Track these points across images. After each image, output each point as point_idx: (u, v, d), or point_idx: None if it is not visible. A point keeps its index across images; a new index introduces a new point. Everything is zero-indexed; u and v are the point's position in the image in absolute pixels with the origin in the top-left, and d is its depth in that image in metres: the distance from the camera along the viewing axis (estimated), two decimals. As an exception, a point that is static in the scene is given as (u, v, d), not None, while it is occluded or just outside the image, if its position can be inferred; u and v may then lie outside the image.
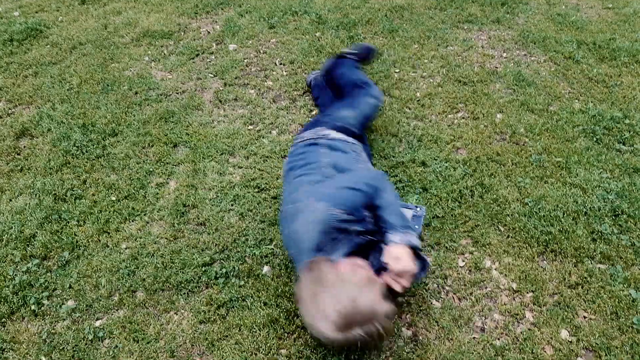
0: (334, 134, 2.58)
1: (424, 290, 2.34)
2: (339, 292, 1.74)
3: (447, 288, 2.36)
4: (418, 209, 2.48)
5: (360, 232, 2.06)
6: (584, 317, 2.22)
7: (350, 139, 2.61)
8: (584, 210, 2.65)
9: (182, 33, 4.27)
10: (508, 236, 2.56)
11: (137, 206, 2.77)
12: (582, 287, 2.32)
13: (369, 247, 2.10)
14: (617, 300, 2.26)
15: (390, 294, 1.94)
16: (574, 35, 4.06)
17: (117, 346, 2.17)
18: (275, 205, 2.74)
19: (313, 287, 1.80)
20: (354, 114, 2.77)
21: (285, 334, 2.19)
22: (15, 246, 2.58)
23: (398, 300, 2.24)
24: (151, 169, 2.98)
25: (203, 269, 2.45)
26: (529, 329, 2.18)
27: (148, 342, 2.18)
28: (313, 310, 1.77)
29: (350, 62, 3.30)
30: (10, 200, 2.83)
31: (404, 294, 2.27)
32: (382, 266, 1.96)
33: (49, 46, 4.15)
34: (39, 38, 4.27)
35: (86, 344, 2.18)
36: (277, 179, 2.89)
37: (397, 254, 1.91)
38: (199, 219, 2.69)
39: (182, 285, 2.39)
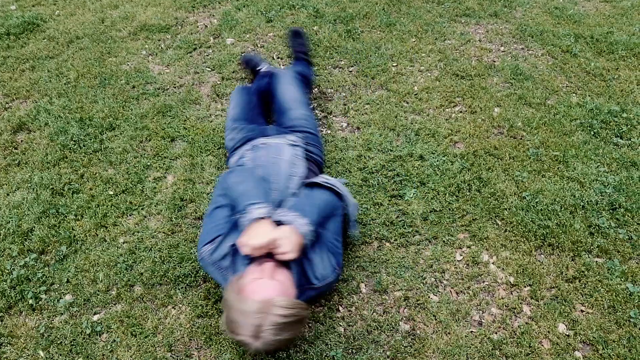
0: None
1: (422, 285, 2.35)
2: (237, 318, 1.71)
3: (444, 282, 2.36)
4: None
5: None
6: (581, 311, 2.22)
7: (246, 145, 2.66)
8: (582, 204, 2.65)
9: (180, 27, 4.26)
10: (505, 230, 2.56)
11: (135, 200, 2.76)
12: (579, 281, 2.32)
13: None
14: (614, 294, 2.26)
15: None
16: (572, 28, 4.05)
17: (114, 340, 2.17)
18: (273, 200, 2.73)
19: (226, 313, 1.79)
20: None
21: (283, 328, 2.20)
22: (12, 240, 2.57)
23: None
24: (149, 163, 2.97)
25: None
26: (527, 323, 2.19)
27: (146, 337, 2.18)
28: (232, 332, 1.77)
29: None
30: (8, 194, 2.83)
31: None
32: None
33: (46, 40, 4.14)
34: (36, 32, 4.25)
35: (84, 338, 2.19)
36: (275, 173, 2.88)
37: (240, 241, 1.88)
38: (196, 213, 2.69)
39: (180, 279, 2.39)
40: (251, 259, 1.93)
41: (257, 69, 3.40)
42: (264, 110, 3.13)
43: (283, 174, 2.33)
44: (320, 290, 2.13)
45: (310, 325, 2.20)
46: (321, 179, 2.25)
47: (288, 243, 1.86)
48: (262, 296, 1.71)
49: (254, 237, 1.86)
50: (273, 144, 2.54)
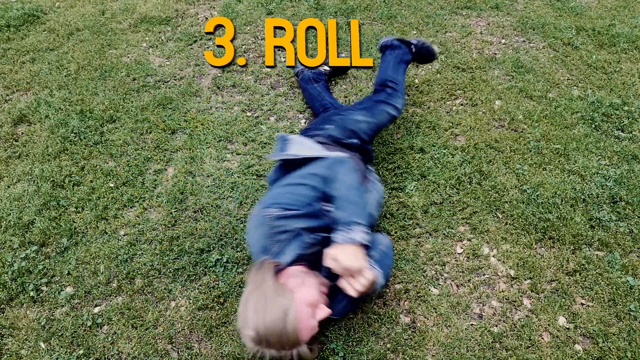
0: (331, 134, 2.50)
1: (422, 277, 2.35)
2: (269, 306, 1.68)
3: (445, 275, 2.36)
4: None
5: (311, 229, 1.92)
6: (582, 304, 2.23)
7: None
8: (582, 197, 2.65)
9: (180, 19, 4.24)
10: (506, 223, 2.56)
11: (135, 193, 2.76)
12: (579, 274, 2.33)
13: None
14: (614, 287, 2.26)
15: (355, 302, 1.97)
16: (573, 21, 4.04)
17: (115, 332, 2.18)
18: (274, 192, 2.73)
19: (251, 289, 1.75)
20: (369, 122, 2.61)
21: (284, 321, 2.20)
22: (13, 233, 2.58)
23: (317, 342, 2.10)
24: (149, 156, 2.97)
25: (201, 256, 2.46)
26: (527, 316, 2.19)
27: (146, 329, 2.19)
28: (242, 311, 1.73)
29: (404, 54, 3.05)
30: (9, 186, 2.83)
31: (359, 304, 2.24)
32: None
33: (46, 32, 4.12)
34: (36, 24, 4.24)
35: (85, 330, 2.19)
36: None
37: (334, 255, 1.78)
38: (196, 205, 2.69)
39: (180, 272, 2.39)
40: (301, 260, 1.92)
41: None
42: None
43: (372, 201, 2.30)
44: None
45: (310, 317, 2.21)
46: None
47: (365, 284, 1.81)
48: (304, 331, 1.73)
49: (349, 259, 1.77)
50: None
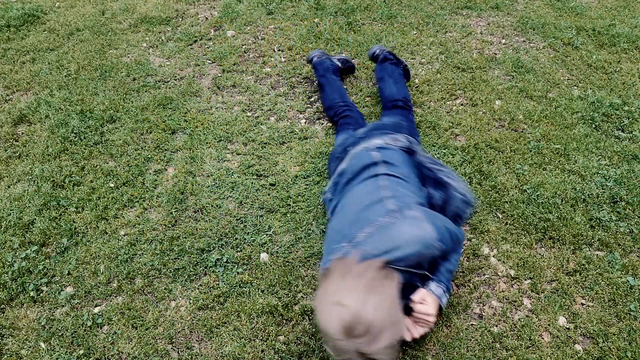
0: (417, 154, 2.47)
1: (422, 277, 2.35)
2: (378, 293, 1.62)
3: (445, 275, 2.36)
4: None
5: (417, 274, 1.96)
6: (582, 304, 2.23)
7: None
8: (583, 197, 2.65)
9: (180, 19, 4.25)
10: (506, 223, 2.56)
11: (136, 193, 2.76)
12: (580, 274, 2.33)
13: (407, 288, 1.97)
14: (614, 287, 2.26)
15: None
16: (573, 21, 4.04)
17: (115, 332, 2.18)
18: (274, 192, 2.73)
19: (362, 284, 1.63)
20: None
21: (284, 321, 2.20)
22: (13, 233, 2.58)
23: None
24: (149, 156, 2.97)
25: (201, 256, 2.46)
26: (527, 316, 2.19)
27: (147, 329, 2.19)
28: (337, 297, 1.61)
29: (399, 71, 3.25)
30: (9, 186, 2.83)
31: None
32: (407, 305, 1.93)
33: (46, 32, 4.13)
34: (36, 24, 4.24)
35: (85, 330, 2.19)
36: (276, 165, 2.88)
37: (427, 298, 1.92)
38: (197, 205, 2.69)
39: (181, 272, 2.39)
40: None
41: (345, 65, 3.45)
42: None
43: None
44: None
45: (311, 318, 2.21)
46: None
47: (419, 334, 1.96)
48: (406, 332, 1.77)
49: (430, 310, 1.93)
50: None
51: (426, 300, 1.93)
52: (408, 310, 1.95)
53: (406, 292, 1.92)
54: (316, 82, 3.34)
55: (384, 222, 1.87)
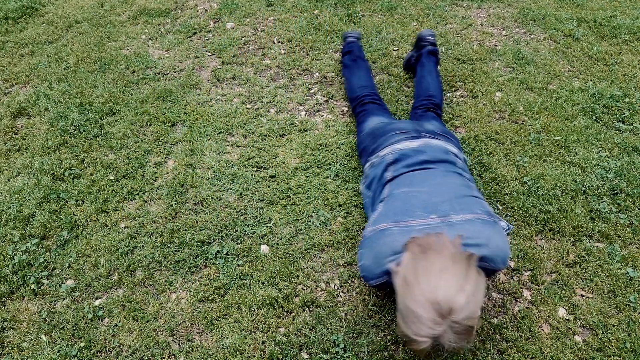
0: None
1: (422, 269, 2.35)
2: (474, 287, 1.55)
3: (445, 267, 2.36)
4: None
5: None
6: (582, 296, 2.23)
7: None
8: (583, 189, 2.65)
9: (179, 11, 4.23)
10: (507, 215, 2.56)
11: (136, 185, 2.76)
12: (579, 266, 2.33)
13: None
14: (614, 278, 2.27)
15: None
16: (574, 12, 4.03)
17: (116, 325, 2.18)
18: (274, 184, 2.73)
19: (459, 266, 1.59)
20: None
21: (284, 313, 2.21)
22: (14, 226, 2.58)
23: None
24: (149, 148, 2.97)
25: (202, 248, 2.46)
26: (527, 308, 2.20)
27: (147, 321, 2.19)
28: (434, 275, 1.55)
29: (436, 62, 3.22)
30: (9, 180, 2.83)
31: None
32: None
33: (44, 24, 4.11)
34: (35, 16, 4.23)
35: (86, 322, 2.20)
36: (276, 157, 2.88)
37: None
38: (197, 198, 2.69)
39: (181, 264, 2.39)
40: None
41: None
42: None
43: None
44: None
45: (311, 310, 2.21)
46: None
47: None
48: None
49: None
50: None
51: None
52: None
53: None
54: (343, 63, 3.33)
55: (484, 217, 1.83)
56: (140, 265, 2.40)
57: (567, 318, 2.15)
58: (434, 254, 1.62)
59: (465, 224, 1.79)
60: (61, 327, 2.19)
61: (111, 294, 2.31)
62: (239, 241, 2.49)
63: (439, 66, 3.23)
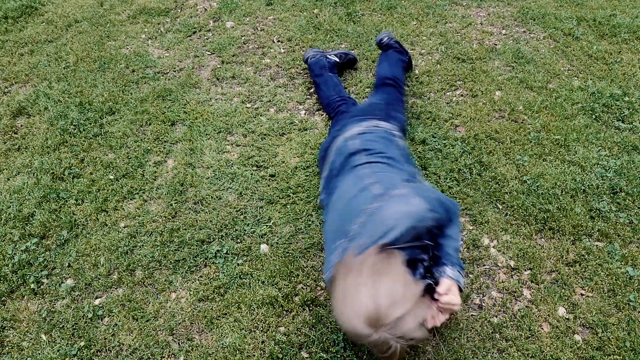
0: (397, 132, 2.47)
1: (422, 268, 2.35)
2: (384, 282, 1.57)
3: (445, 266, 2.36)
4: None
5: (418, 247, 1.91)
6: (581, 295, 2.23)
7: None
8: (583, 188, 2.65)
9: (179, 10, 4.23)
10: (506, 214, 2.56)
11: (135, 185, 2.76)
12: (579, 265, 2.33)
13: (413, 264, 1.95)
14: (614, 277, 2.27)
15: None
16: (574, 11, 4.03)
17: (116, 324, 2.18)
18: (274, 183, 2.73)
19: (365, 274, 1.61)
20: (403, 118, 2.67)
21: (284, 312, 2.21)
22: (13, 225, 2.58)
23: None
24: (149, 148, 2.97)
25: (201, 247, 2.46)
26: (527, 307, 2.20)
27: (147, 320, 2.19)
28: (349, 297, 1.58)
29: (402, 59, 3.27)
30: (8, 179, 2.83)
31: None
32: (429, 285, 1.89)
33: (44, 24, 4.11)
34: (34, 15, 4.23)
35: (86, 322, 2.20)
36: (275, 156, 2.88)
37: (451, 288, 1.84)
38: (196, 197, 2.69)
39: (181, 263, 2.40)
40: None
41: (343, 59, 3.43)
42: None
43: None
44: None
45: (311, 309, 2.21)
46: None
47: (441, 321, 1.86)
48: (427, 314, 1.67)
49: (455, 300, 1.83)
50: None
51: (451, 290, 1.84)
52: (430, 290, 1.91)
53: (414, 268, 1.88)
54: (312, 82, 3.33)
55: (372, 208, 1.83)
56: (140, 264, 2.40)
57: (567, 317, 2.15)
58: (342, 278, 1.65)
59: (363, 227, 1.81)
60: (61, 326, 2.19)
61: (111, 293, 2.31)
62: (238, 240, 2.49)
63: (403, 59, 3.25)
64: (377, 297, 1.53)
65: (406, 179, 2.04)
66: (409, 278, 1.64)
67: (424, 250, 1.91)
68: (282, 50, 3.72)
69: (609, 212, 2.53)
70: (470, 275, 2.32)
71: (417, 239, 1.84)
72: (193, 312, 2.22)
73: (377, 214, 1.81)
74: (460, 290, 1.88)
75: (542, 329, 2.12)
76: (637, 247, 2.39)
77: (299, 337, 2.13)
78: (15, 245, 2.49)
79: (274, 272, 2.34)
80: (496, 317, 2.17)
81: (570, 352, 2.04)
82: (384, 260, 1.65)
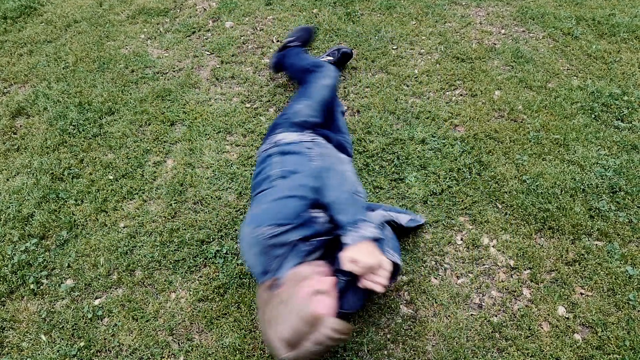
0: (289, 136, 2.38)
1: (422, 268, 2.35)
2: (282, 315, 1.67)
3: (445, 265, 2.37)
4: (417, 217, 2.45)
5: (307, 238, 1.91)
6: (581, 294, 2.23)
7: (307, 136, 2.39)
8: (582, 187, 2.65)
9: (178, 10, 4.23)
10: (506, 213, 2.56)
11: (135, 185, 2.76)
12: (579, 264, 2.33)
13: (331, 247, 2.00)
14: (613, 277, 2.27)
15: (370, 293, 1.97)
16: (573, 11, 4.03)
17: (116, 324, 2.18)
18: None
19: (262, 311, 1.76)
20: (310, 104, 2.58)
21: (284, 312, 2.20)
22: (13, 225, 2.58)
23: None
24: (148, 148, 2.97)
25: (201, 247, 2.46)
26: (526, 306, 2.20)
27: (147, 321, 2.19)
28: (266, 332, 1.71)
29: (295, 50, 3.22)
30: (8, 179, 2.82)
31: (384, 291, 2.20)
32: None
33: (43, 24, 4.11)
34: (33, 16, 4.23)
35: (85, 322, 2.20)
36: (275, 157, 2.88)
37: (351, 257, 1.79)
38: (196, 197, 2.69)
39: (180, 263, 2.39)
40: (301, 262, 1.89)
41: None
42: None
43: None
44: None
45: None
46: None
47: (387, 276, 1.83)
48: (319, 311, 1.65)
49: (367, 257, 1.79)
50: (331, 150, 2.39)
51: (354, 259, 1.79)
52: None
53: (335, 249, 1.94)
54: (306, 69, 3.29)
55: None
56: (139, 264, 2.40)
57: (567, 316, 2.15)
58: (263, 305, 1.79)
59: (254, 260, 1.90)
60: (61, 326, 2.19)
61: (111, 293, 2.31)
62: (238, 240, 2.49)
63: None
64: (275, 326, 1.66)
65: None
66: (298, 298, 1.70)
67: (305, 239, 1.91)
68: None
69: (608, 211, 2.53)
70: (470, 275, 2.32)
71: (282, 245, 1.87)
72: (193, 312, 2.22)
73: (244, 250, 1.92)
74: (376, 240, 1.85)
75: (542, 328, 2.12)
76: (636, 246, 2.39)
77: (299, 337, 2.13)
78: (15, 246, 2.49)
79: (274, 272, 2.34)
80: (496, 316, 2.17)
81: (570, 351, 2.04)
82: (289, 289, 1.74)
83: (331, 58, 3.32)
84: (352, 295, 2.01)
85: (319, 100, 2.61)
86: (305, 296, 1.70)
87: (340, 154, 2.30)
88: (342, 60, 3.41)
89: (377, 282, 1.82)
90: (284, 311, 1.66)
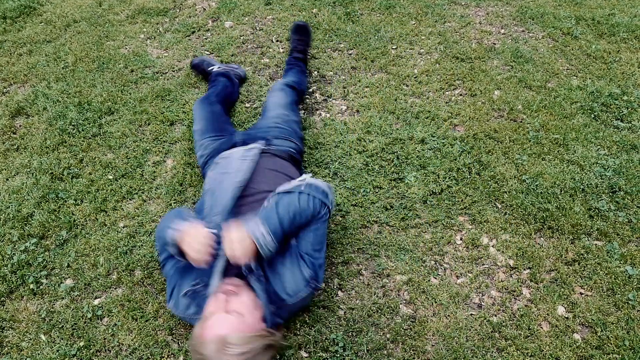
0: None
1: (422, 268, 2.35)
2: (194, 350, 1.67)
3: (444, 265, 2.37)
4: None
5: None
6: (581, 294, 2.23)
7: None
8: (582, 187, 2.65)
9: (178, 10, 4.23)
10: (505, 213, 2.56)
11: (135, 185, 2.76)
12: (578, 264, 2.33)
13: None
14: (613, 276, 2.27)
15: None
16: (573, 10, 4.03)
17: (116, 324, 2.18)
18: (273, 184, 2.73)
19: None
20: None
21: (284, 312, 2.20)
22: (12, 225, 2.58)
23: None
24: (148, 148, 2.97)
25: (201, 247, 2.45)
26: (526, 306, 2.20)
27: (147, 320, 2.19)
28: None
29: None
30: (7, 179, 2.82)
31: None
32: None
33: (43, 24, 4.11)
34: (33, 15, 4.22)
35: (85, 322, 2.20)
36: (275, 157, 2.88)
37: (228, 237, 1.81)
38: (196, 197, 2.69)
39: (180, 263, 2.39)
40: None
41: (209, 69, 3.32)
42: (229, 116, 3.10)
43: (227, 192, 2.16)
44: (296, 306, 2.01)
45: (310, 308, 2.21)
46: (295, 183, 2.06)
47: (238, 247, 1.77)
48: (216, 334, 1.63)
49: (192, 241, 1.79)
50: (226, 157, 2.42)
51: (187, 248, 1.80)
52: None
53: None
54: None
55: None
56: (139, 264, 2.40)
57: (566, 316, 2.16)
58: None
59: None
60: (60, 326, 2.19)
61: (110, 293, 2.31)
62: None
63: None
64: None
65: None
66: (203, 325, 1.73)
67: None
68: (281, 50, 3.72)
69: (607, 211, 2.54)
70: (470, 275, 2.32)
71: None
72: (192, 312, 2.22)
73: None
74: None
75: (542, 328, 2.12)
76: (636, 246, 2.40)
77: (298, 337, 2.13)
78: (15, 246, 2.49)
79: (274, 271, 2.34)
80: (495, 316, 2.17)
81: (570, 351, 2.04)
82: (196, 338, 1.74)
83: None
84: (282, 277, 1.94)
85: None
86: (205, 328, 1.70)
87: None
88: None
89: (231, 256, 1.79)
90: (197, 356, 1.65)
